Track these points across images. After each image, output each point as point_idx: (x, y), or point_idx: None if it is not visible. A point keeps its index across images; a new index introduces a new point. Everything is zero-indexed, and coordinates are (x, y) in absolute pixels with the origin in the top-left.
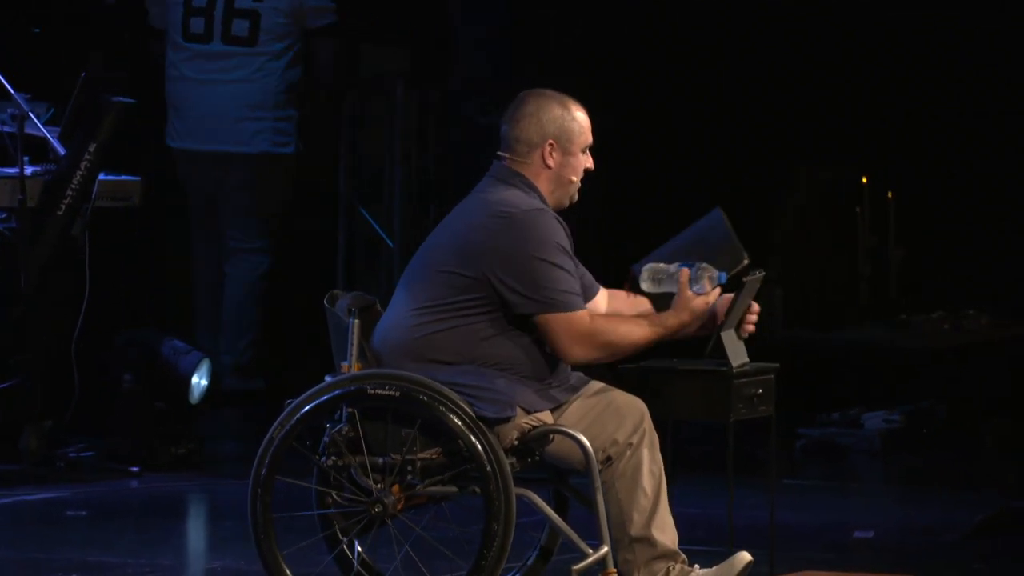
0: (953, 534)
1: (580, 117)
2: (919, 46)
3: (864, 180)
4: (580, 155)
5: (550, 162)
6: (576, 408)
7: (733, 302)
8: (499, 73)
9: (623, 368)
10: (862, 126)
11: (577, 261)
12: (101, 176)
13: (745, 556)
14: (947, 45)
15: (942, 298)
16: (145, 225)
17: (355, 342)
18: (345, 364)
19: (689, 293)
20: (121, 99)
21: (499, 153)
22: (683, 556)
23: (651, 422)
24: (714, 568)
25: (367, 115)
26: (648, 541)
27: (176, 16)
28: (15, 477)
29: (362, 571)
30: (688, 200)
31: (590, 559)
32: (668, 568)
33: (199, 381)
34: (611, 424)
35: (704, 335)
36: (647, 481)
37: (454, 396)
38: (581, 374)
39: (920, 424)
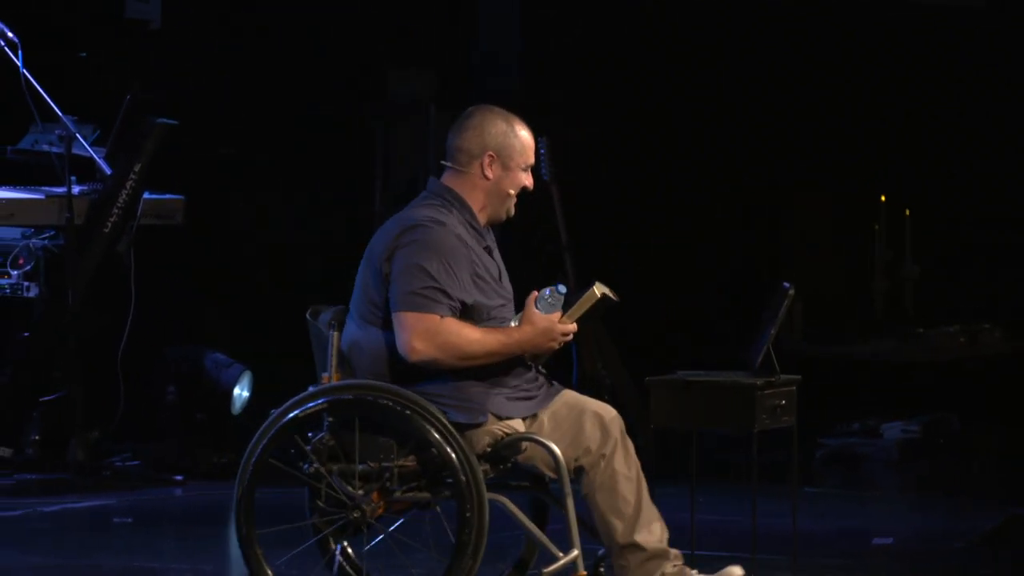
0: (967, 540)
1: (523, 136)
2: (938, 69)
3: (882, 198)
4: (519, 172)
5: (489, 174)
6: (549, 418)
7: (773, 316)
8: (525, 90)
9: (651, 379)
10: (880, 148)
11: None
12: (145, 195)
13: (735, 571)
14: (964, 69)
15: (957, 312)
16: (188, 242)
17: (334, 354)
18: (325, 375)
19: (533, 309)
20: (164, 120)
21: (442, 162)
22: (675, 552)
23: (623, 429)
24: None
25: (400, 137)
26: (636, 546)
27: None
28: (63, 485)
29: (351, 573)
30: (710, 221)
31: (560, 562)
32: (662, 569)
33: (240, 393)
34: (582, 434)
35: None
36: (625, 488)
37: (424, 402)
38: (556, 384)
39: (936, 434)
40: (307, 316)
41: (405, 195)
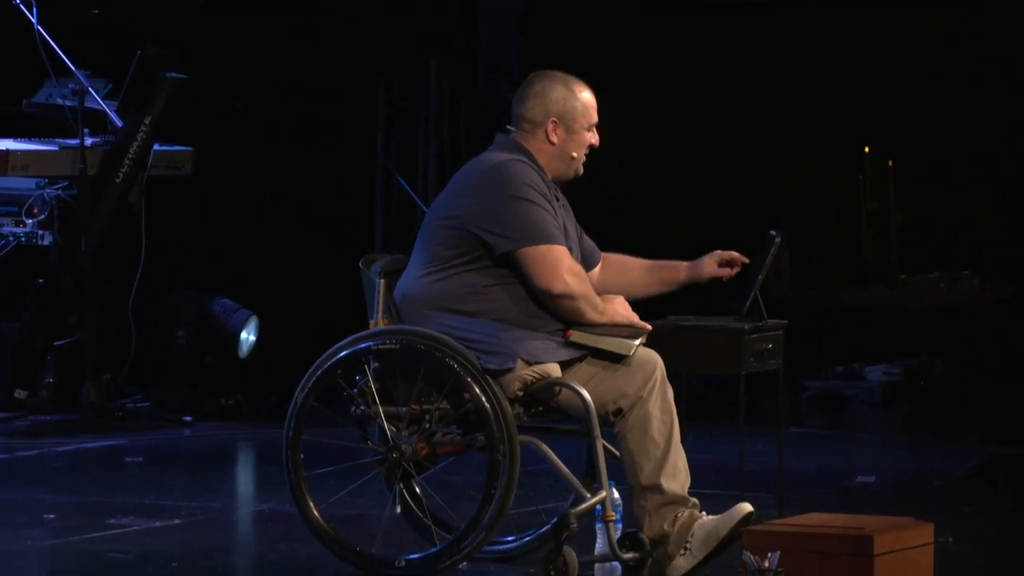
0: (948, 479)
1: (584, 97)
2: (917, 18)
3: (866, 149)
4: (584, 132)
5: (554, 139)
6: (589, 361)
7: (760, 263)
8: (527, 49)
9: None
10: (864, 98)
11: (581, 230)
12: (156, 147)
13: (745, 507)
14: (944, 17)
15: (939, 260)
16: (197, 192)
17: (381, 300)
18: (372, 320)
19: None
20: (174, 75)
21: (507, 127)
22: (693, 501)
23: (664, 374)
24: (716, 517)
25: (402, 92)
26: (658, 489)
27: None
28: (77, 426)
29: (406, 511)
30: (698, 173)
31: (588, 503)
32: (677, 514)
33: (247, 337)
34: (622, 377)
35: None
36: (657, 431)
37: (457, 346)
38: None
39: (917, 377)
40: (360, 264)
41: (409, 145)
